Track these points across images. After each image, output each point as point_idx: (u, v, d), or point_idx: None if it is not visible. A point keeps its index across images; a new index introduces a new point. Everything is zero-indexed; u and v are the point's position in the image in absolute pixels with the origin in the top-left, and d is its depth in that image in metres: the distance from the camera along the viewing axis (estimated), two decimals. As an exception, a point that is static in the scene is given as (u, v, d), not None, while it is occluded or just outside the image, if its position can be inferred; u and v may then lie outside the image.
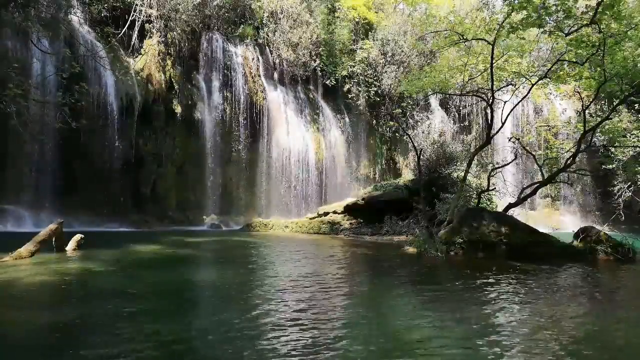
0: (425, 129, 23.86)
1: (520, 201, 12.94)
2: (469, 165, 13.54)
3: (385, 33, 25.76)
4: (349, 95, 25.33)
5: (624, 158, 18.31)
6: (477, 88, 16.13)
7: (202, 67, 21.10)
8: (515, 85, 14.21)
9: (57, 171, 15.80)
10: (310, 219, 18.60)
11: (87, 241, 9.65)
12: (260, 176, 21.87)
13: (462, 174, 14.12)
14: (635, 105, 17.40)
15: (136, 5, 18.57)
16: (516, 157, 14.57)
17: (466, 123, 27.81)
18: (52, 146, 15.65)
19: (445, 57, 16.49)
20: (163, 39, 19.39)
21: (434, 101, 27.54)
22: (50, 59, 15.53)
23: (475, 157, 15.48)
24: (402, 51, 25.37)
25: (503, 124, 13.65)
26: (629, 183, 20.56)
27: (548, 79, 13.12)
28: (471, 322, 4.82)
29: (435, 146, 18.64)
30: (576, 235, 11.09)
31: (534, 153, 15.53)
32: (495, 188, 14.55)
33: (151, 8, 19.06)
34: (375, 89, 25.39)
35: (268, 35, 23.06)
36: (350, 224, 17.27)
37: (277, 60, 23.35)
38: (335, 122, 25.16)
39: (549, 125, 25.34)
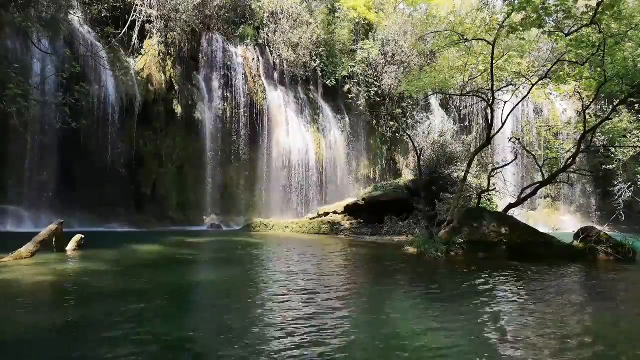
0: (425, 129, 23.84)
1: (520, 201, 12.94)
2: (469, 165, 13.54)
3: (385, 33, 25.75)
4: (349, 95, 25.32)
5: (624, 158, 18.32)
6: (477, 88, 16.11)
7: (202, 67, 21.10)
8: (515, 85, 14.21)
9: (57, 171, 15.80)
10: (311, 219, 18.60)
11: (87, 241, 9.65)
12: (260, 176, 21.87)
13: (462, 174, 14.12)
14: (635, 105, 17.37)
15: (136, 5, 18.56)
16: (516, 157, 14.58)
17: (466, 123, 27.80)
18: (52, 146, 15.64)
19: (445, 57, 16.46)
20: (163, 39, 19.38)
21: (434, 101, 27.54)
22: (50, 59, 15.51)
23: (475, 157, 15.47)
24: (402, 51, 25.36)
25: (503, 124, 13.65)
26: (629, 183, 20.57)
27: (548, 79, 13.12)
28: (472, 322, 4.82)
29: (435, 146, 18.64)
30: (576, 235, 11.09)
31: (534, 153, 15.53)
32: (495, 188, 14.55)
33: (151, 8, 19.05)
34: (375, 89, 25.39)
35: (268, 35, 23.06)
36: (350, 224, 17.26)
37: (277, 60, 23.35)
38: (335, 122, 25.16)
39: (549, 125, 25.34)
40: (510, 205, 12.60)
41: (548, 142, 22.41)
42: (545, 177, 13.64)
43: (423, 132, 22.97)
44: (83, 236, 9.65)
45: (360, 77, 25.26)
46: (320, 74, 24.61)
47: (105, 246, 10.35)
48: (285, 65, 23.30)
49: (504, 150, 21.94)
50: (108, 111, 17.19)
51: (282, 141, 22.36)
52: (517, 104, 14.59)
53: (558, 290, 6.90)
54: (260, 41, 23.06)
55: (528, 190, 13.67)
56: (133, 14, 18.53)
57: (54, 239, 8.86)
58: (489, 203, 17.53)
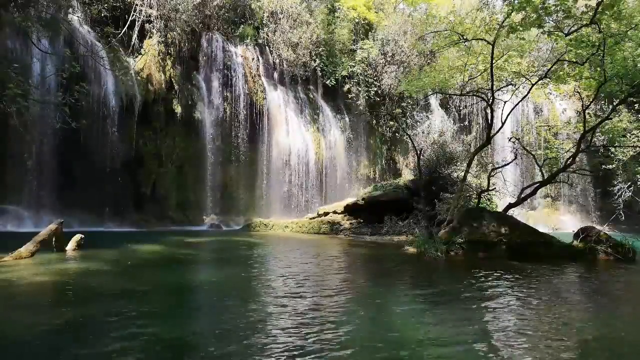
0: (425, 129, 23.83)
1: (520, 201, 12.94)
2: (469, 165, 13.54)
3: (385, 33, 25.75)
4: (349, 95, 25.31)
5: (624, 158, 18.31)
6: (477, 88, 16.11)
7: (202, 67, 21.10)
8: (515, 85, 14.21)
9: (57, 171, 15.79)
10: (311, 219, 18.60)
11: (87, 241, 9.65)
12: (260, 176, 21.87)
13: (462, 174, 14.12)
14: (635, 105, 17.37)
15: (136, 5, 18.56)
16: (516, 157, 14.56)
17: (466, 123, 27.79)
18: (52, 146, 15.64)
19: (445, 57, 16.45)
20: (163, 39, 19.37)
21: (434, 101, 27.53)
22: (50, 59, 15.50)
23: (475, 157, 15.47)
24: (402, 51, 25.36)
25: (503, 124, 13.65)
26: (629, 183, 20.56)
27: (548, 79, 13.12)
28: (472, 323, 4.82)
29: (435, 146, 18.63)
30: (576, 235, 11.09)
31: (534, 153, 15.53)
32: (495, 188, 14.55)
33: (151, 8, 19.04)
34: (375, 89, 25.39)
35: (268, 35, 23.06)
36: (350, 224, 17.26)
37: (277, 60, 23.34)
38: (335, 122, 25.16)
39: (549, 125, 25.33)
40: (510, 205, 12.59)
41: (548, 142, 22.41)
42: (545, 177, 13.63)
43: (423, 132, 22.96)
44: (83, 236, 9.66)
45: (360, 77, 25.25)
46: (320, 74, 24.61)
47: (105, 246, 10.35)
48: (285, 65, 23.30)
49: (504, 150, 21.92)
50: (108, 111, 17.18)
51: (282, 141, 22.36)
52: (517, 104, 14.58)
53: (558, 290, 6.90)
54: (260, 41, 23.06)
55: (528, 190, 13.66)
56: (133, 14, 18.53)
57: (54, 239, 8.86)
58: (489, 203, 17.53)
